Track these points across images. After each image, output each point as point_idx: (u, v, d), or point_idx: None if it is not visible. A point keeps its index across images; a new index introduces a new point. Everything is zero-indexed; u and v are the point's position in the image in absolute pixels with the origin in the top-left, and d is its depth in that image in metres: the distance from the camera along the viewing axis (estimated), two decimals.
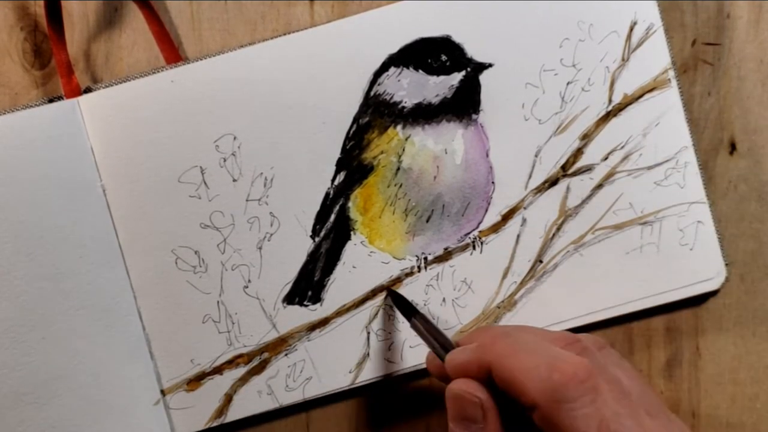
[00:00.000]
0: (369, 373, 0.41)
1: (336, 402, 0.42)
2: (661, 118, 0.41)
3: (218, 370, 0.40)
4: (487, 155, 0.40)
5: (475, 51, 0.40)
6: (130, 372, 0.40)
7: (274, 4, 0.41)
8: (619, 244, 0.41)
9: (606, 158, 0.41)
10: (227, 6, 0.41)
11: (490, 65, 0.40)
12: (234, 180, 0.40)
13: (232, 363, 0.40)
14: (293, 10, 0.41)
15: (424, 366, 0.41)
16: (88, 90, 0.40)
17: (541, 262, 0.41)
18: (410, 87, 0.40)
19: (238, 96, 0.39)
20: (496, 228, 0.41)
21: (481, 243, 0.41)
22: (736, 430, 0.43)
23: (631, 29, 0.40)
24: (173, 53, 0.40)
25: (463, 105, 0.40)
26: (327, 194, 0.40)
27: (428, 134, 0.40)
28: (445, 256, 0.41)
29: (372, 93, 0.40)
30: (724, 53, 0.42)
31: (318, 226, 0.40)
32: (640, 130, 0.41)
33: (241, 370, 0.40)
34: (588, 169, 0.41)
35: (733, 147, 0.43)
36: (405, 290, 0.41)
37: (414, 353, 0.41)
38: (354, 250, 0.40)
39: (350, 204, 0.40)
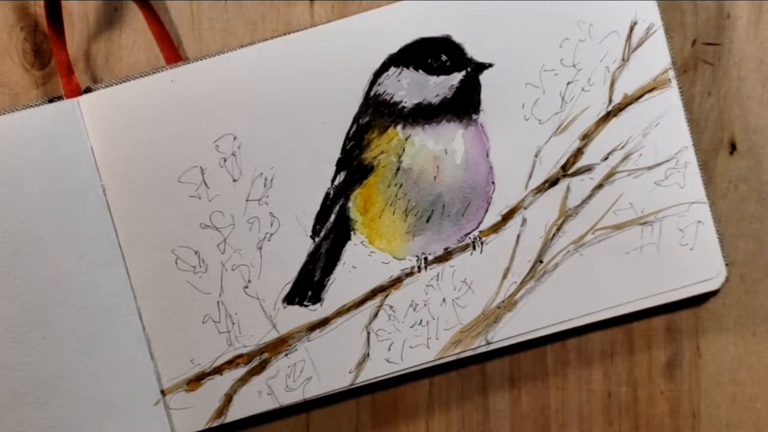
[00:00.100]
0: (369, 373, 0.41)
1: (336, 402, 0.42)
2: (661, 118, 0.41)
3: (218, 370, 0.40)
4: (487, 155, 0.40)
5: (475, 51, 0.40)
6: (130, 372, 0.40)
7: (274, 4, 0.41)
8: (619, 244, 0.41)
9: (606, 158, 0.41)
10: (227, 6, 0.41)
11: (490, 65, 0.40)
12: (234, 180, 0.40)
13: (232, 363, 0.40)
14: (293, 10, 0.41)
15: (424, 366, 0.41)
16: (88, 90, 0.40)
17: (541, 262, 0.41)
18: (410, 87, 0.40)
19: (238, 96, 0.39)
20: (496, 228, 0.41)
21: (481, 243, 0.41)
22: (737, 430, 0.43)
23: (631, 29, 0.40)
24: (173, 53, 0.40)
25: (463, 105, 0.40)
26: (327, 194, 0.40)
27: (428, 134, 0.40)
28: (445, 256, 0.41)
29: (372, 93, 0.40)
30: (724, 53, 0.42)
31: (318, 226, 0.40)
32: (640, 130, 0.41)
33: (241, 370, 0.40)
34: (588, 169, 0.41)
35: (733, 147, 0.43)
36: (405, 290, 0.41)
37: (414, 353, 0.41)
38: (354, 250, 0.40)
39: (350, 204, 0.40)
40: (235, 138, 0.40)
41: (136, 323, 0.40)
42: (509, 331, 0.41)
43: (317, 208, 0.40)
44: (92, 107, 0.39)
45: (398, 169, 0.40)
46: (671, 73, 0.41)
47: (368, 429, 0.42)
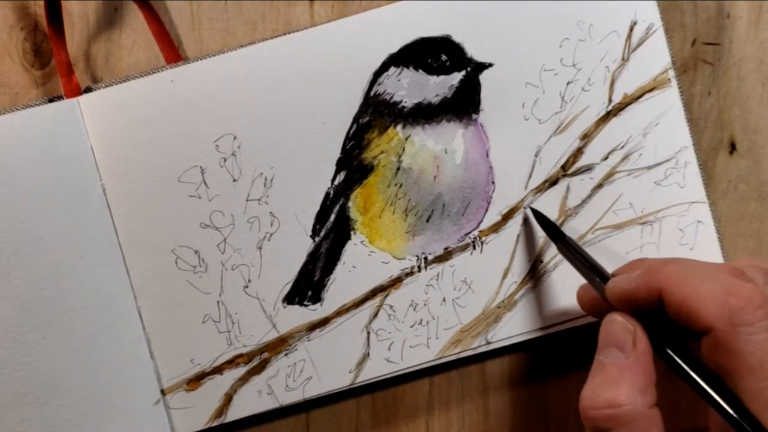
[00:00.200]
0: (369, 373, 0.41)
1: (336, 402, 0.42)
2: (661, 118, 0.41)
3: (218, 370, 0.40)
4: (487, 155, 0.40)
5: (475, 51, 0.40)
6: (130, 372, 0.40)
7: (274, 4, 0.41)
8: (619, 244, 0.41)
9: (606, 158, 0.41)
10: (227, 6, 0.41)
11: (490, 65, 0.40)
12: (234, 180, 0.40)
13: (232, 363, 0.40)
14: (293, 10, 0.41)
15: (424, 366, 0.41)
16: (88, 90, 0.40)
17: (541, 262, 0.41)
18: (410, 87, 0.40)
19: (238, 96, 0.39)
20: (496, 228, 0.41)
21: (481, 243, 0.41)
22: None
23: (631, 29, 0.40)
24: (173, 53, 0.40)
25: (463, 105, 0.40)
26: (327, 194, 0.40)
27: (428, 134, 0.40)
28: (445, 255, 0.41)
29: (372, 93, 0.40)
30: (724, 53, 0.42)
31: (318, 226, 0.40)
32: (640, 130, 0.41)
33: (241, 370, 0.40)
34: (588, 168, 0.41)
35: (733, 147, 0.43)
36: (405, 290, 0.41)
37: (414, 353, 0.41)
38: (354, 250, 0.40)
39: (350, 204, 0.40)
40: (235, 138, 0.40)
41: (136, 323, 0.40)
42: (509, 331, 0.41)
43: (317, 207, 0.40)
44: (92, 107, 0.39)
45: (398, 168, 0.40)
46: (671, 73, 0.41)
47: (368, 429, 0.42)
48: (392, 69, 0.40)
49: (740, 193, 0.43)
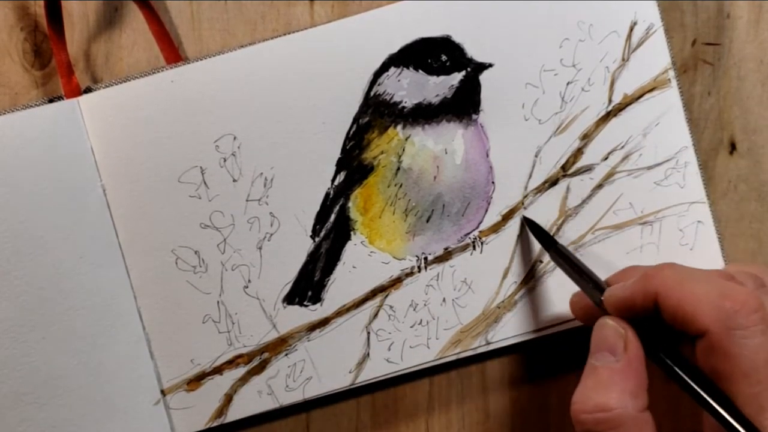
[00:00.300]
0: (369, 373, 0.41)
1: (336, 402, 0.42)
2: (661, 118, 0.41)
3: (218, 370, 0.40)
4: (487, 155, 0.40)
5: (475, 51, 0.40)
6: (130, 372, 0.40)
7: (274, 4, 0.41)
8: (619, 244, 0.41)
9: (606, 158, 0.41)
10: (227, 6, 0.41)
11: (490, 65, 0.40)
12: (234, 180, 0.40)
13: (232, 363, 0.40)
14: (293, 10, 0.41)
15: (424, 366, 0.41)
16: (88, 90, 0.40)
17: (541, 262, 0.41)
18: (410, 87, 0.40)
19: (238, 96, 0.39)
20: (496, 228, 0.41)
21: (481, 243, 0.41)
22: None
23: (631, 29, 0.40)
24: (173, 53, 0.40)
25: (463, 105, 0.40)
26: (327, 194, 0.40)
27: (428, 134, 0.40)
28: (445, 256, 0.41)
29: (372, 93, 0.40)
30: (724, 53, 0.42)
31: (318, 226, 0.40)
32: (640, 130, 0.41)
33: (241, 370, 0.40)
34: (588, 169, 0.41)
35: (733, 147, 0.43)
36: (405, 290, 0.41)
37: (414, 353, 0.41)
38: (354, 250, 0.40)
39: (350, 204, 0.40)
40: (235, 138, 0.40)
41: (136, 323, 0.40)
42: (509, 331, 0.41)
43: (317, 208, 0.40)
44: (92, 107, 0.39)
45: (398, 169, 0.40)
46: (671, 73, 0.41)
47: (368, 429, 0.42)
48: (392, 69, 0.40)
49: (740, 193, 0.43)
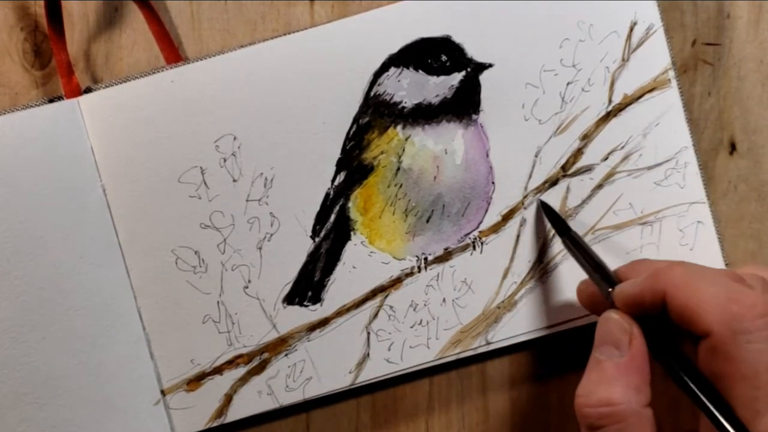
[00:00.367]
0: (369, 373, 0.41)
1: (336, 402, 0.42)
2: (661, 118, 0.41)
3: (218, 370, 0.40)
4: (487, 155, 0.40)
5: (475, 51, 0.40)
6: (130, 372, 0.40)
7: (274, 4, 0.41)
8: (619, 245, 0.41)
9: (606, 158, 0.41)
10: (227, 6, 0.41)
11: (490, 65, 0.40)
12: (234, 180, 0.40)
13: (232, 363, 0.40)
14: (293, 10, 0.41)
15: (424, 366, 0.41)
16: (88, 90, 0.40)
17: (541, 262, 0.41)
18: (410, 87, 0.40)
19: (238, 96, 0.39)
20: (496, 228, 0.41)
21: (481, 243, 0.41)
22: None
23: (631, 29, 0.40)
24: (173, 53, 0.40)
25: (463, 105, 0.40)
26: (327, 194, 0.40)
27: (428, 134, 0.40)
28: (445, 256, 0.41)
29: (372, 93, 0.40)
30: (724, 53, 0.42)
31: (318, 227, 0.40)
32: (640, 130, 0.41)
33: (241, 370, 0.40)
34: (588, 169, 0.41)
35: (733, 147, 0.43)
36: (405, 290, 0.41)
37: (414, 353, 0.41)
38: (354, 250, 0.40)
39: (350, 204, 0.40)
40: (235, 138, 0.40)
41: (136, 323, 0.40)
42: (509, 331, 0.41)
43: (317, 208, 0.40)
44: (92, 107, 0.39)
45: (398, 169, 0.40)
46: (671, 73, 0.41)
47: (368, 429, 0.42)
48: (392, 69, 0.40)
49: (740, 194, 0.43)
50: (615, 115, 0.41)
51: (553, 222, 0.40)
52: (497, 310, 0.41)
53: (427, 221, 0.40)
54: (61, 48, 0.39)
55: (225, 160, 0.40)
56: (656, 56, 0.41)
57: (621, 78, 0.40)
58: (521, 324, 0.41)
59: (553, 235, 0.41)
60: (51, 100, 0.40)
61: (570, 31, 0.40)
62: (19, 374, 0.39)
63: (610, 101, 0.41)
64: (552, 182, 0.41)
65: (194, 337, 0.40)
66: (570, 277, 0.41)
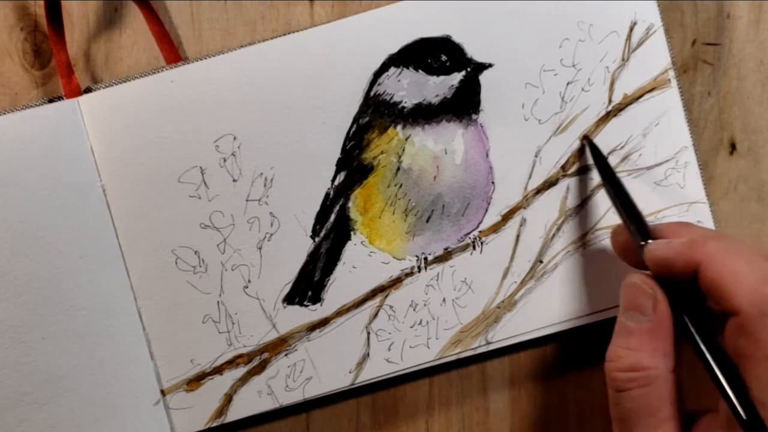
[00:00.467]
0: (369, 373, 0.41)
1: (336, 402, 0.42)
2: (661, 118, 0.41)
3: (218, 370, 0.40)
4: (487, 155, 0.40)
5: (475, 51, 0.40)
6: (130, 372, 0.40)
7: (274, 4, 0.41)
8: None
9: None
10: (227, 6, 0.41)
11: (490, 65, 0.40)
12: (234, 180, 0.40)
13: (232, 363, 0.40)
14: (293, 10, 0.41)
15: (424, 366, 0.41)
16: (88, 90, 0.40)
17: (541, 262, 0.41)
18: (410, 87, 0.40)
19: (238, 96, 0.39)
20: (496, 228, 0.41)
21: (481, 243, 0.41)
22: None
23: (631, 29, 0.40)
24: (173, 53, 0.40)
25: (463, 105, 0.40)
26: (327, 194, 0.40)
27: (428, 134, 0.40)
28: (445, 256, 0.41)
29: (372, 93, 0.40)
30: (724, 53, 0.42)
31: (318, 226, 0.40)
32: (640, 130, 0.41)
33: (241, 370, 0.40)
34: (588, 169, 0.41)
35: (733, 147, 0.43)
36: (405, 290, 0.41)
37: (414, 353, 0.41)
38: (354, 250, 0.40)
39: (350, 204, 0.40)
40: (235, 138, 0.40)
41: (136, 323, 0.40)
42: (509, 331, 0.41)
43: (317, 208, 0.40)
44: (92, 107, 0.39)
45: (398, 169, 0.40)
46: (671, 73, 0.41)
47: (368, 429, 0.42)
48: (392, 69, 0.40)
49: (740, 194, 0.43)
50: (615, 115, 0.41)
51: (598, 163, 0.39)
52: (497, 310, 0.41)
53: (427, 221, 0.40)
54: (61, 48, 0.39)
55: (225, 160, 0.40)
56: (656, 56, 0.41)
57: (621, 78, 0.40)
58: (521, 324, 0.41)
59: (553, 236, 0.41)
60: (51, 100, 0.40)
61: (570, 31, 0.40)
62: (19, 374, 0.39)
63: (610, 101, 0.41)
64: (552, 182, 0.41)
65: (194, 337, 0.40)
66: (570, 277, 0.41)
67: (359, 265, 0.40)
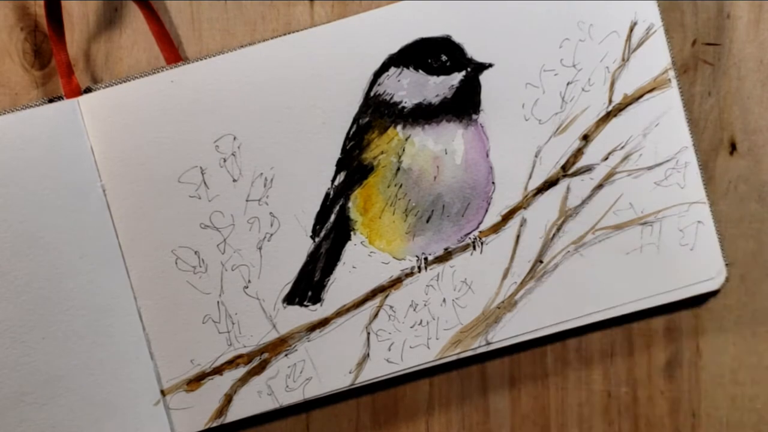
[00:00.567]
0: (369, 373, 0.41)
1: (336, 402, 0.42)
2: (661, 119, 0.41)
3: (218, 371, 0.40)
4: (487, 155, 0.40)
5: (475, 51, 0.40)
6: (130, 372, 0.40)
7: (274, 4, 0.41)
8: (619, 245, 0.41)
9: (606, 158, 0.41)
10: (227, 6, 0.41)
11: (490, 65, 0.40)
12: (234, 180, 0.40)
13: (232, 363, 0.40)
14: (293, 10, 0.41)
15: (424, 366, 0.41)
16: (88, 90, 0.40)
17: (541, 262, 0.41)
18: (410, 87, 0.40)
19: (238, 96, 0.39)
20: (496, 228, 0.41)
21: (481, 243, 0.41)
22: (736, 430, 0.43)
23: (631, 29, 0.40)
24: (173, 53, 0.40)
25: (463, 105, 0.40)
26: (327, 194, 0.40)
27: (428, 134, 0.40)
28: (445, 256, 0.41)
29: (372, 93, 0.40)
30: (724, 53, 0.42)
31: (318, 227, 0.40)
32: (640, 130, 0.41)
33: (241, 371, 0.40)
34: (588, 169, 0.41)
35: (733, 147, 0.43)
36: (405, 290, 0.41)
37: (414, 353, 0.41)
38: (354, 250, 0.40)
39: (350, 204, 0.40)
40: (235, 138, 0.40)
41: (136, 323, 0.40)
42: (509, 331, 0.41)
43: (317, 208, 0.40)
44: (92, 107, 0.39)
45: (398, 169, 0.40)
46: (671, 73, 0.41)
47: (368, 429, 0.42)
48: (392, 69, 0.40)
49: (740, 194, 0.43)
50: (615, 115, 0.41)
51: None
52: (497, 310, 0.41)
53: (427, 221, 0.40)
54: (61, 48, 0.39)
55: (225, 160, 0.40)
56: (656, 56, 0.41)
57: (621, 78, 0.40)
58: (521, 324, 0.41)
59: (553, 236, 0.41)
60: (51, 100, 0.40)
61: (570, 31, 0.40)
62: (19, 374, 0.39)
63: (610, 101, 0.41)
64: (552, 182, 0.41)
65: (194, 337, 0.40)
66: (570, 277, 0.41)
67: (359, 266, 0.40)
